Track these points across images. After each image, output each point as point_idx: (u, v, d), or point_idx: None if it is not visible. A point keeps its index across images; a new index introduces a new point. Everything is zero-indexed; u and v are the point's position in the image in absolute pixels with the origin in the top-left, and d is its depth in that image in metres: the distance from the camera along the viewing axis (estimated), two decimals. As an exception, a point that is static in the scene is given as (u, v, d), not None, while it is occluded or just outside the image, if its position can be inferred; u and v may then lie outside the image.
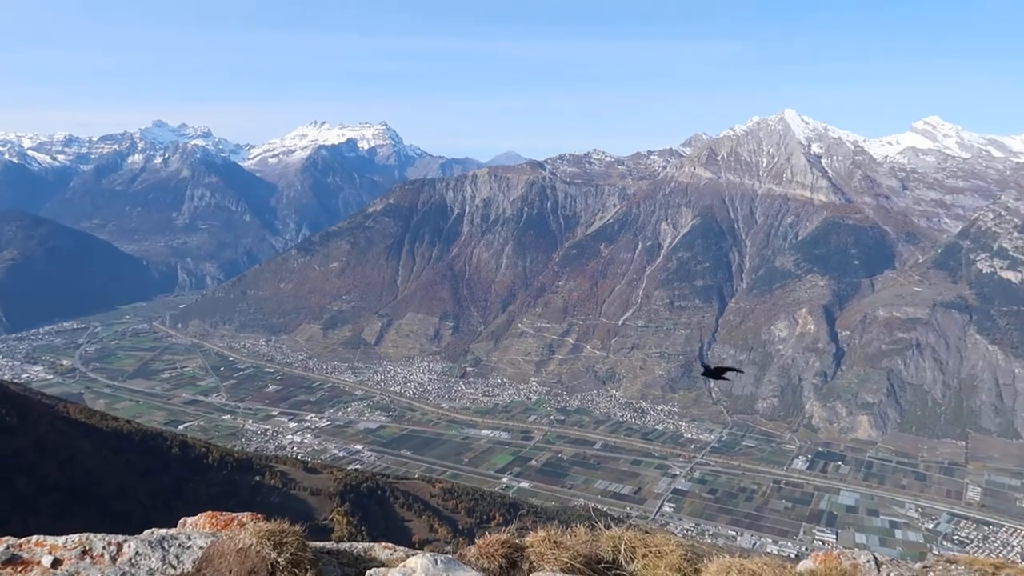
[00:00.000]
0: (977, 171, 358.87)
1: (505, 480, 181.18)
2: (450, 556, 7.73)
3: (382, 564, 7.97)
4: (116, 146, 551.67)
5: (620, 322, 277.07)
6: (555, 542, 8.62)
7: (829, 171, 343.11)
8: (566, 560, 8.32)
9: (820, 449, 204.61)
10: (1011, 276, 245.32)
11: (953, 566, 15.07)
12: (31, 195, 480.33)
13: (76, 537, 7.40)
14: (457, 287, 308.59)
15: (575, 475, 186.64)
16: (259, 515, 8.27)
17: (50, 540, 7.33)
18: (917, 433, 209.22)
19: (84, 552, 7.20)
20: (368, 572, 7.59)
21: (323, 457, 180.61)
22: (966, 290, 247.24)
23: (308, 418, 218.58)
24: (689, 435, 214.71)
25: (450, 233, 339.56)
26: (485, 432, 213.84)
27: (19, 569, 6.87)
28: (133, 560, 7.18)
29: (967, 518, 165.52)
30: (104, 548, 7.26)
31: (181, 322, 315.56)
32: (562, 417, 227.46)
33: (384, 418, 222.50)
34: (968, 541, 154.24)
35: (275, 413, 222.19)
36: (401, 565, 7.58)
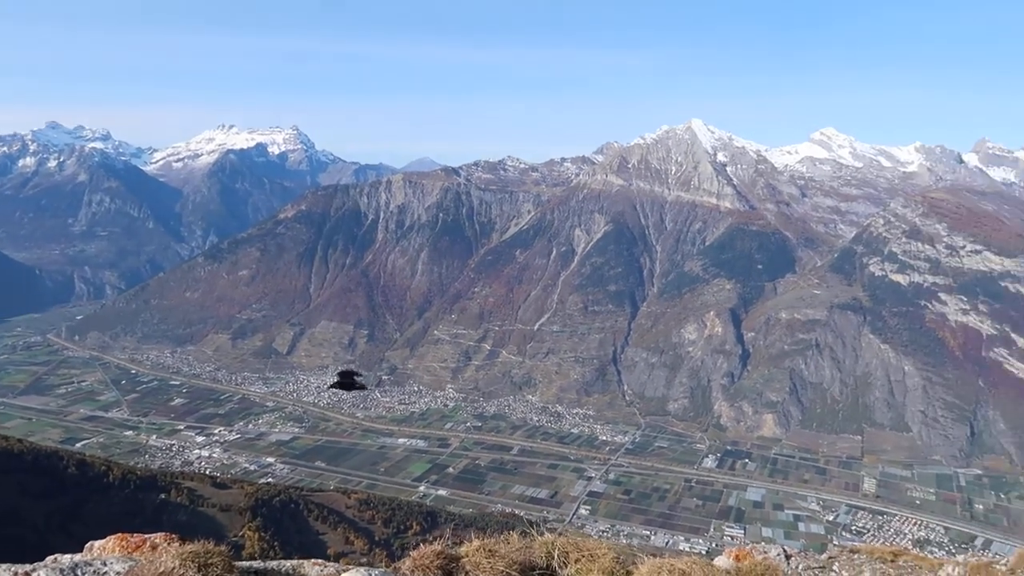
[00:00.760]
0: (869, 180, 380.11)
1: (422, 488, 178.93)
2: (384, 570, 7.70)
3: (313, 581, 7.56)
4: (5, 148, 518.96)
5: (536, 327, 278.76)
6: (490, 551, 8.82)
7: (734, 179, 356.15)
8: (502, 569, 8.28)
9: (728, 447, 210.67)
10: (900, 279, 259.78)
11: (856, 556, 15.11)
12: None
13: (-28, 569, 6.38)
14: (372, 294, 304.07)
15: (493, 481, 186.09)
16: (172, 535, 7.92)
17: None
18: (817, 429, 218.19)
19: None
20: None
21: (233, 471, 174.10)
22: (860, 292, 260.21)
23: (217, 431, 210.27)
24: (604, 437, 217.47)
25: (364, 240, 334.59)
26: (402, 441, 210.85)
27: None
28: (45, 590, 6.32)
29: (864, 509, 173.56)
30: (9, 579, 6.28)
31: (78, 334, 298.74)
32: (479, 423, 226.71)
33: (297, 429, 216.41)
34: (865, 531, 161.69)
35: (181, 427, 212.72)
36: (335, 581, 7.16)
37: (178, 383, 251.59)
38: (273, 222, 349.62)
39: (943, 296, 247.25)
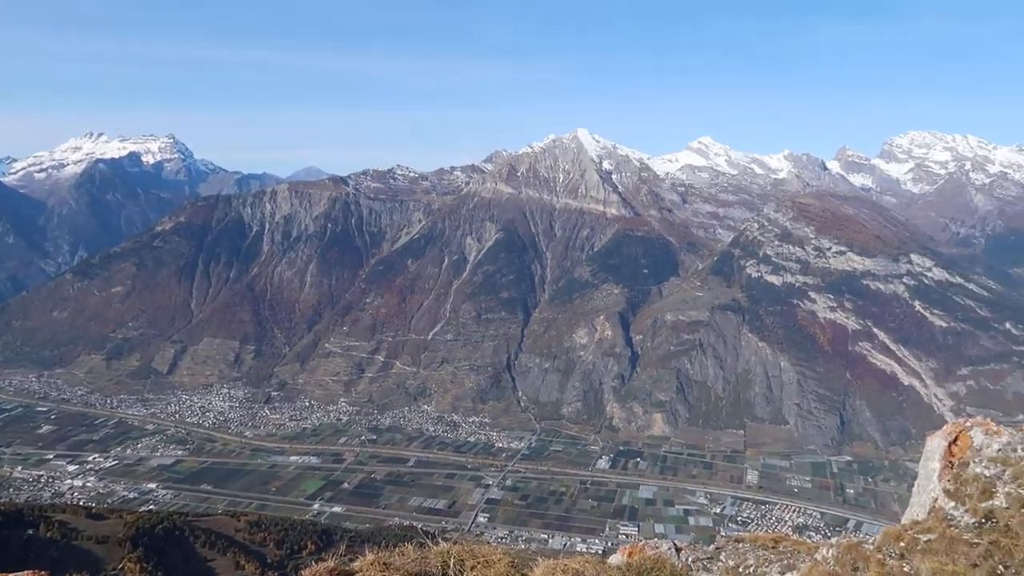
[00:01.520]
0: (744, 186, 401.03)
1: (316, 506, 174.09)
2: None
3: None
4: None
5: (429, 337, 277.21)
6: (384, 564, 8.63)
7: (619, 186, 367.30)
8: (397, 580, 8.09)
9: (621, 448, 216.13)
10: (774, 280, 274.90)
11: (741, 544, 15.86)
12: None
13: None
14: (258, 308, 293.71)
15: (389, 494, 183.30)
16: (40, 572, 7.78)
17: None
18: (703, 426, 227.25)
19: None
20: None
21: (110, 501, 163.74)
22: (739, 293, 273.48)
23: (91, 459, 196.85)
24: (500, 444, 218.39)
25: (249, 252, 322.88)
26: (293, 458, 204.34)
27: None
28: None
29: (748, 500, 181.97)
30: None
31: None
32: (374, 436, 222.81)
33: (180, 452, 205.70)
34: (750, 520, 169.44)
35: (50, 456, 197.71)
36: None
37: (45, 409, 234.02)
38: (149, 235, 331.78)
39: (813, 295, 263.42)
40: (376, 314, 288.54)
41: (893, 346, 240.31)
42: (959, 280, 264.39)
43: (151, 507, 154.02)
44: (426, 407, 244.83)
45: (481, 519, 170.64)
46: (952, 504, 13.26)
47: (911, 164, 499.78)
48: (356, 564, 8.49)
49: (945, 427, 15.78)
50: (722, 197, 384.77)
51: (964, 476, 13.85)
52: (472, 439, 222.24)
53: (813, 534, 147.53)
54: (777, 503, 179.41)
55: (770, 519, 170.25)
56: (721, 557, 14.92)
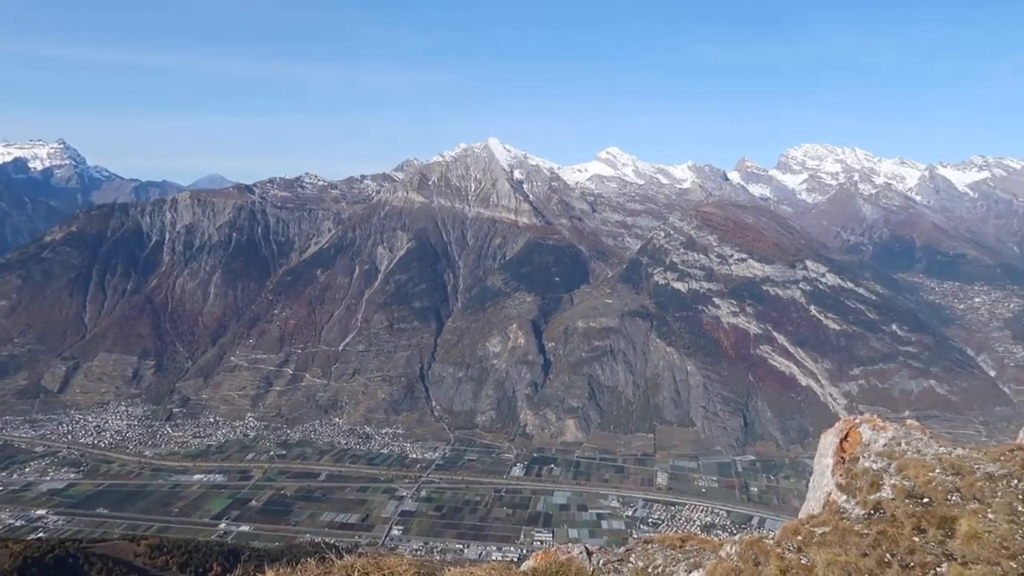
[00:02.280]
0: (650, 196, 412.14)
1: (223, 526, 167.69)
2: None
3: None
4: None
5: (340, 348, 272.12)
6: None
7: (530, 195, 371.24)
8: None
9: (535, 455, 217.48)
10: (680, 286, 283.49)
11: (650, 545, 16.27)
12: None
13: None
14: (158, 321, 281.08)
15: (300, 510, 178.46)
16: None
17: None
18: (615, 431, 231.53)
19: None
20: None
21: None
22: (647, 300, 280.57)
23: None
24: (414, 455, 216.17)
25: (148, 263, 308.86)
26: (197, 477, 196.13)
27: None
28: None
29: (658, 501, 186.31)
30: None
31: None
32: (283, 451, 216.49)
33: (73, 475, 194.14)
34: (660, 521, 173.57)
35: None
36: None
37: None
38: (37, 246, 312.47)
39: (717, 301, 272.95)
40: (284, 326, 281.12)
41: (791, 349, 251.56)
42: (850, 285, 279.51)
43: (40, 535, 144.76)
44: (338, 420, 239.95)
45: (395, 532, 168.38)
46: (844, 497, 13.99)
47: (805, 175, 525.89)
48: (256, 583, 8.29)
49: (837, 424, 16.66)
50: (630, 206, 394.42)
51: (854, 470, 14.64)
52: (385, 451, 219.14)
53: (720, 532, 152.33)
54: (686, 503, 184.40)
55: (679, 519, 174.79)
56: (631, 558, 15.26)
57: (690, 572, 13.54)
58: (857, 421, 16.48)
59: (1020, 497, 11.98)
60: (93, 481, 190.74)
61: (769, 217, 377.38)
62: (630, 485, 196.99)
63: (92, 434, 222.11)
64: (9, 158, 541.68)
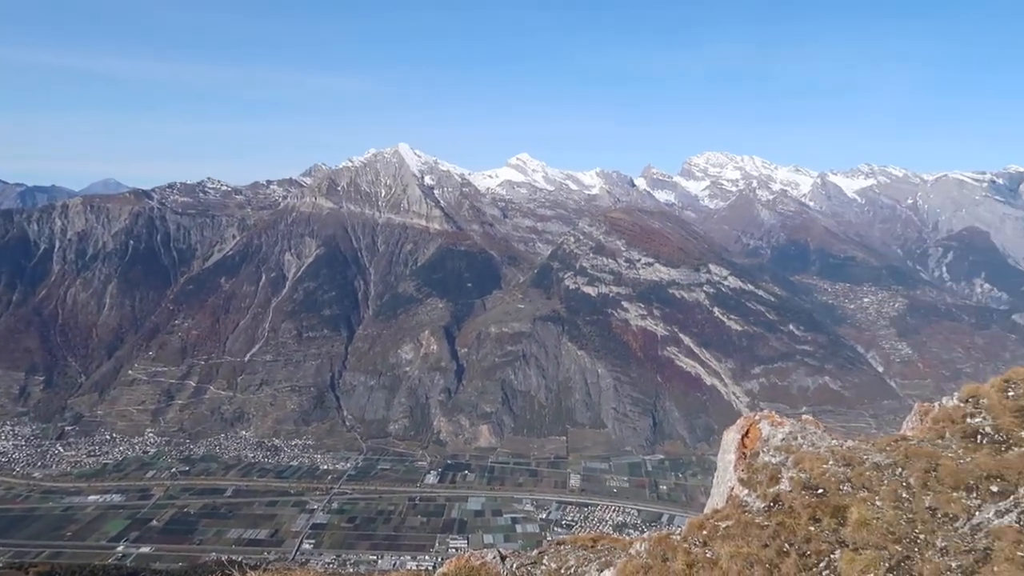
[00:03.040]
0: (560, 201, 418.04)
1: (120, 548, 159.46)
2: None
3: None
4: None
5: (247, 358, 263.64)
6: None
7: (441, 201, 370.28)
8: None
9: (449, 461, 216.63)
10: (590, 291, 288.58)
11: (562, 547, 16.47)
12: None
13: None
14: (48, 334, 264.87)
15: (205, 528, 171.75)
16: None
17: None
18: (528, 434, 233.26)
19: None
20: None
21: None
22: (558, 304, 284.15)
23: None
24: (325, 467, 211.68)
25: (36, 272, 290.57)
26: (93, 498, 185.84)
27: None
28: None
29: (572, 503, 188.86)
30: None
31: None
32: (186, 467, 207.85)
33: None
34: (574, 523, 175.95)
35: None
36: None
37: None
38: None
39: (625, 304, 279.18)
40: (187, 336, 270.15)
41: (697, 349, 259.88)
42: (751, 287, 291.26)
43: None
44: (244, 433, 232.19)
45: (306, 545, 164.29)
46: (746, 491, 14.55)
47: (707, 182, 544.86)
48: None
49: (738, 421, 17.33)
50: (540, 212, 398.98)
51: (755, 465, 15.26)
52: (295, 463, 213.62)
53: (631, 531, 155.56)
54: (598, 504, 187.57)
55: (592, 520, 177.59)
56: (544, 560, 15.41)
57: (602, 571, 13.78)
58: (757, 418, 17.20)
59: (904, 484, 12.77)
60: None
61: (674, 222, 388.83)
62: (544, 488, 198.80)
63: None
64: None
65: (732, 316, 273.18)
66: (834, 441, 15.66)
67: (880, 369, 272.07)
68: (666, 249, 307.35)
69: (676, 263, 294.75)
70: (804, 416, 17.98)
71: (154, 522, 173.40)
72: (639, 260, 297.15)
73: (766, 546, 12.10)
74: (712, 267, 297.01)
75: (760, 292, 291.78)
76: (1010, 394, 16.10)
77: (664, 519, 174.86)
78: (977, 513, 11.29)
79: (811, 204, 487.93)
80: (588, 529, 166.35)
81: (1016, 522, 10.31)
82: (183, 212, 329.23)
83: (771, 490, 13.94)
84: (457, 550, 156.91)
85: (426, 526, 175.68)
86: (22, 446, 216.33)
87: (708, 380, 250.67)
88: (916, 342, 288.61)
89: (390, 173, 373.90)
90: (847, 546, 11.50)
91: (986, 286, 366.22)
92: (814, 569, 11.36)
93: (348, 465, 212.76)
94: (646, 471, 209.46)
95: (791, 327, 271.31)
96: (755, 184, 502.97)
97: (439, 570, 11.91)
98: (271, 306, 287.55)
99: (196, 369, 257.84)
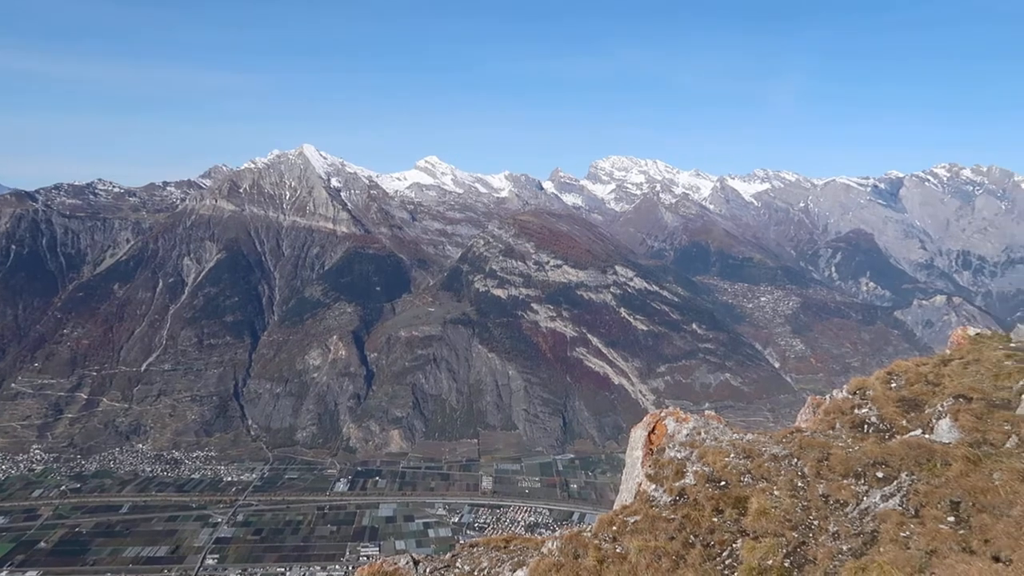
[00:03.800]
0: (469, 204, 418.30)
1: (4, 574, 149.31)
2: None
3: None
4: None
5: (143, 368, 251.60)
6: None
7: (349, 204, 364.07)
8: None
9: (359, 468, 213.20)
10: (500, 293, 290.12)
11: (475, 549, 16.48)
12: None
13: None
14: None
15: (99, 548, 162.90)
16: None
17: None
18: (440, 438, 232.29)
19: None
20: None
21: None
22: (469, 307, 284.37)
23: None
24: (229, 478, 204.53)
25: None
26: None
27: None
28: None
29: (484, 505, 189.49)
30: None
31: None
32: (77, 485, 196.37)
33: None
34: (486, 525, 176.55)
35: None
36: None
37: None
38: None
39: (535, 306, 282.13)
40: (76, 346, 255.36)
41: (605, 350, 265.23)
42: (655, 288, 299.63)
43: None
44: (141, 446, 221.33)
45: (210, 561, 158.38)
46: (653, 487, 14.97)
47: (613, 185, 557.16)
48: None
49: (645, 419, 17.81)
50: (450, 215, 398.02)
51: (661, 460, 15.72)
52: (197, 476, 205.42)
53: (543, 530, 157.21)
54: (511, 505, 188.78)
55: (505, 521, 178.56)
56: (457, 563, 15.40)
57: (515, 571, 13.88)
58: (663, 415, 17.72)
59: (799, 474, 13.43)
60: None
61: (582, 225, 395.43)
62: (456, 492, 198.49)
63: None
64: None
65: (638, 316, 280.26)
66: (735, 435, 16.31)
67: (776, 365, 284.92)
68: (574, 251, 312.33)
69: (584, 265, 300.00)
70: (707, 412, 18.64)
71: (42, 544, 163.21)
72: (548, 262, 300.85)
73: (672, 539, 12.49)
74: (619, 269, 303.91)
75: (664, 293, 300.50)
76: (892, 385, 17.20)
77: (575, 517, 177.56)
78: (865, 498, 11.99)
79: (711, 207, 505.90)
80: (501, 531, 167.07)
81: (899, 505, 11.02)
82: (71, 215, 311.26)
83: (677, 484, 14.40)
84: (369, 558, 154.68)
85: (336, 535, 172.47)
86: None
87: (616, 379, 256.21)
88: (809, 338, 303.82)
89: (295, 175, 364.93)
90: (748, 535, 12.00)
91: (871, 284, 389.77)
92: (718, 559, 11.81)
93: (253, 476, 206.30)
94: (557, 471, 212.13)
95: (694, 326, 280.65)
96: (659, 188, 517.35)
97: (350, 578, 11.71)
98: (169, 313, 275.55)
99: (87, 380, 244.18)
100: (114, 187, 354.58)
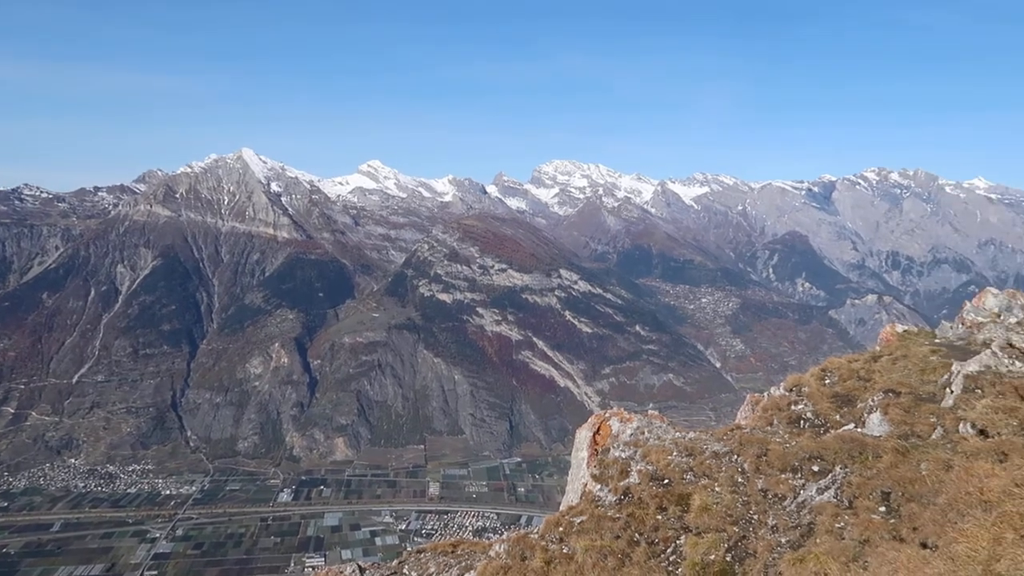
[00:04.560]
0: (413, 209, 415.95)
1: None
2: None
3: None
4: None
5: (75, 380, 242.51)
6: None
7: (290, 209, 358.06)
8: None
9: (303, 478, 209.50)
10: (445, 298, 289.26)
11: (422, 554, 16.40)
12: None
13: None
14: None
15: (28, 569, 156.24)
16: None
17: None
18: (385, 445, 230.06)
19: None
20: None
21: None
22: (413, 312, 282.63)
23: None
24: (168, 492, 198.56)
25: None
26: None
27: None
28: None
29: (431, 512, 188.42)
30: None
31: None
32: (4, 503, 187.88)
33: None
34: (434, 531, 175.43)
35: None
36: None
37: None
38: None
39: (480, 310, 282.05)
40: (3, 358, 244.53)
41: (550, 352, 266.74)
42: (599, 291, 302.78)
43: None
44: (73, 461, 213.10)
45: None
46: (598, 486, 15.15)
47: (557, 189, 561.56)
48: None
49: (590, 419, 18.01)
50: (393, 219, 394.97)
51: (606, 460, 15.92)
52: (133, 490, 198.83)
53: (491, 534, 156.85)
54: (458, 510, 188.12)
55: (452, 527, 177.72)
56: (404, 570, 15.31)
57: (463, 575, 13.88)
58: (607, 415, 17.95)
59: (739, 470, 13.77)
60: None
61: (526, 229, 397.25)
62: (403, 498, 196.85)
63: None
64: None
65: (583, 319, 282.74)
66: (678, 434, 16.62)
67: (718, 365, 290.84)
68: (519, 255, 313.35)
69: (529, 269, 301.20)
70: (650, 412, 18.95)
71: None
72: (493, 266, 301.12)
73: (618, 537, 12.66)
74: (563, 272, 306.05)
75: (608, 295, 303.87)
76: (826, 382, 17.77)
77: (523, 520, 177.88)
78: (802, 492, 12.37)
79: (653, 211, 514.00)
80: (449, 536, 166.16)
81: (834, 497, 11.40)
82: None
83: (622, 483, 14.60)
84: (314, 568, 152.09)
85: (280, 546, 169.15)
86: None
87: (562, 382, 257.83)
88: (748, 338, 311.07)
89: (234, 179, 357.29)
90: (691, 531, 12.25)
91: (807, 285, 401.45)
92: (662, 555, 12.02)
93: (193, 488, 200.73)
94: (504, 474, 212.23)
95: (637, 328, 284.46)
96: (601, 192, 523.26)
97: (295, 589, 11.55)
98: (102, 322, 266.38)
99: (14, 394, 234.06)
100: (41, 192, 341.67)
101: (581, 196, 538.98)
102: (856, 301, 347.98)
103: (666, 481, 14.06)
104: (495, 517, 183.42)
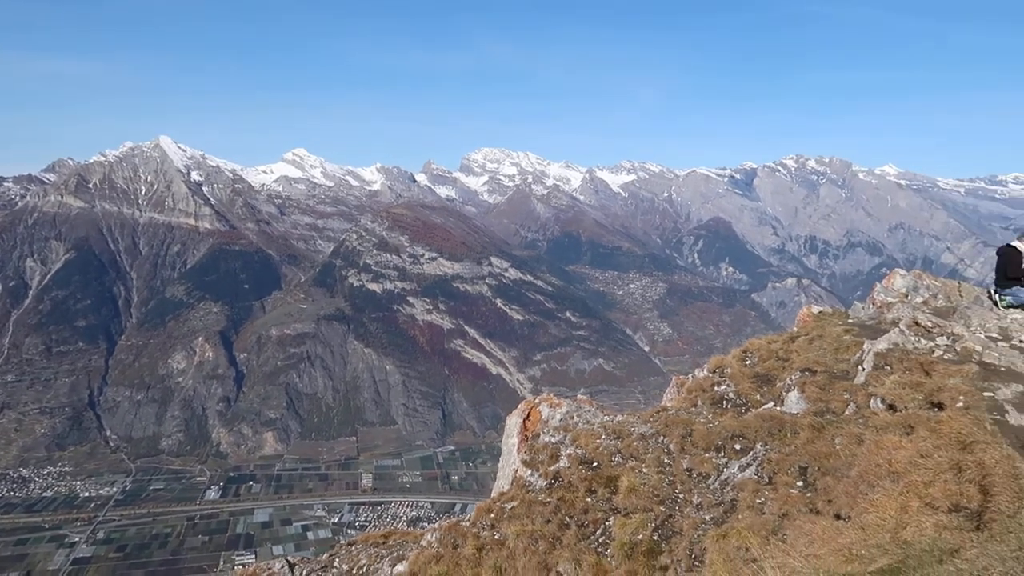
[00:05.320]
0: (341, 198, 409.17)
1: None
2: None
3: None
4: None
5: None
6: None
7: (211, 199, 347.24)
8: None
9: (231, 474, 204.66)
10: (375, 287, 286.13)
11: (353, 547, 16.24)
12: None
13: None
14: None
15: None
16: None
17: None
18: (316, 438, 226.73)
19: None
20: None
21: None
22: (343, 303, 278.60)
23: None
24: (87, 494, 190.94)
25: None
26: None
27: None
28: None
29: (365, 503, 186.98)
30: None
31: None
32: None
33: None
34: (368, 523, 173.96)
35: None
36: None
37: None
38: None
39: (411, 299, 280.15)
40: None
41: (482, 340, 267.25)
42: (530, 278, 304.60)
43: None
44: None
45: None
46: (529, 472, 15.28)
47: (486, 177, 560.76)
48: None
49: (520, 406, 18.13)
50: (320, 209, 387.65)
51: (536, 446, 16.06)
52: (49, 493, 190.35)
53: (425, 524, 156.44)
54: (392, 501, 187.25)
55: (386, 518, 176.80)
56: (335, 563, 15.15)
57: (394, 566, 13.81)
58: (537, 401, 18.11)
59: (665, 451, 14.09)
60: None
61: (456, 217, 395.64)
62: (335, 491, 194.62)
63: None
64: None
65: (514, 306, 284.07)
66: (606, 417, 16.90)
67: (646, 349, 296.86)
68: (449, 244, 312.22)
69: (459, 257, 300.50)
70: (580, 396, 19.20)
71: None
72: (423, 255, 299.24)
73: (549, 521, 12.80)
74: (494, 260, 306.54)
75: (539, 283, 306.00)
76: (747, 363, 18.34)
77: (457, 509, 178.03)
78: (725, 470, 12.75)
79: (581, 198, 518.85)
80: (382, 527, 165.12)
81: (755, 474, 11.79)
82: None
83: (552, 468, 14.76)
84: (244, 566, 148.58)
85: (208, 545, 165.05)
86: None
87: (494, 369, 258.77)
88: (675, 322, 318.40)
89: (151, 168, 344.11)
90: (619, 512, 12.48)
91: (730, 269, 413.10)
92: (592, 537, 12.22)
93: (114, 489, 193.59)
94: (438, 463, 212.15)
95: (568, 314, 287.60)
96: (530, 179, 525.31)
97: (222, 588, 11.29)
98: (11, 319, 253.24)
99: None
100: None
101: (510, 184, 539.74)
102: (777, 284, 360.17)
103: (595, 464, 14.28)
104: (429, 506, 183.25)
